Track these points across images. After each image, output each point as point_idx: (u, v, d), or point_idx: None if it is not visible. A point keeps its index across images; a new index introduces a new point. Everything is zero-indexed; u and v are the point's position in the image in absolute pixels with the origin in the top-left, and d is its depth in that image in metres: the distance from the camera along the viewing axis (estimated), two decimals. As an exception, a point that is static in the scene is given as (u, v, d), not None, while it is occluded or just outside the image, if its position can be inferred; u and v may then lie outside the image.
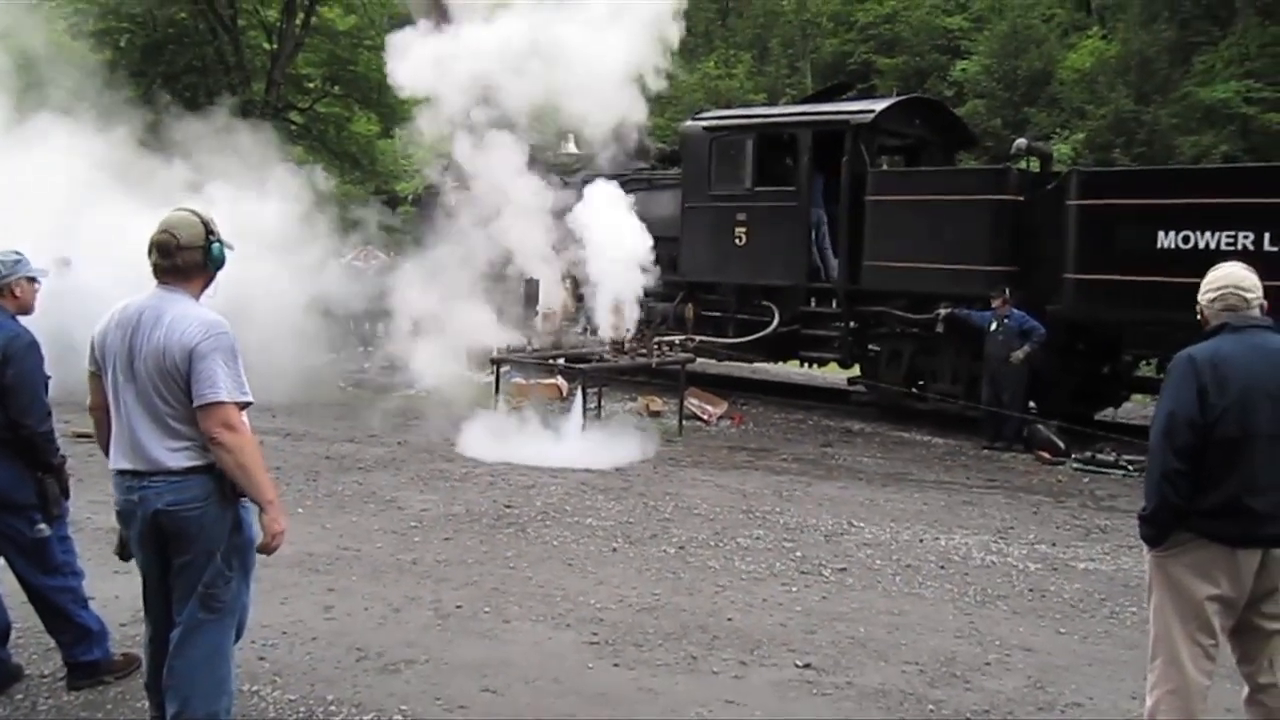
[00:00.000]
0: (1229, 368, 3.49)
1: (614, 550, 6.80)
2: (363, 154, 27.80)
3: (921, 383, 12.81)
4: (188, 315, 3.50)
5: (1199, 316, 3.74)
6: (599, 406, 11.50)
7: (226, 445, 3.41)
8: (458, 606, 5.58)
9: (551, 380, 12.67)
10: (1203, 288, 3.71)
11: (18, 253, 4.43)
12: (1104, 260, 10.72)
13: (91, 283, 9.54)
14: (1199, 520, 3.51)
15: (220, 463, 3.45)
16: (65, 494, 4.40)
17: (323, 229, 13.87)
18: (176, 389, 3.46)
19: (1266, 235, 9.70)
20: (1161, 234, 10.27)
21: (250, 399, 3.53)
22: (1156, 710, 3.59)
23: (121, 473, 3.55)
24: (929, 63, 35.63)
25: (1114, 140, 28.14)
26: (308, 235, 12.93)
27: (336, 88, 27.04)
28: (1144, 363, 12.29)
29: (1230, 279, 3.65)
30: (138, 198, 10.77)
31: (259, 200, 12.11)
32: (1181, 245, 10.16)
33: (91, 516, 6.55)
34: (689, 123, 14.82)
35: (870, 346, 13.24)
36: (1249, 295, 3.63)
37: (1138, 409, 13.52)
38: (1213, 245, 9.93)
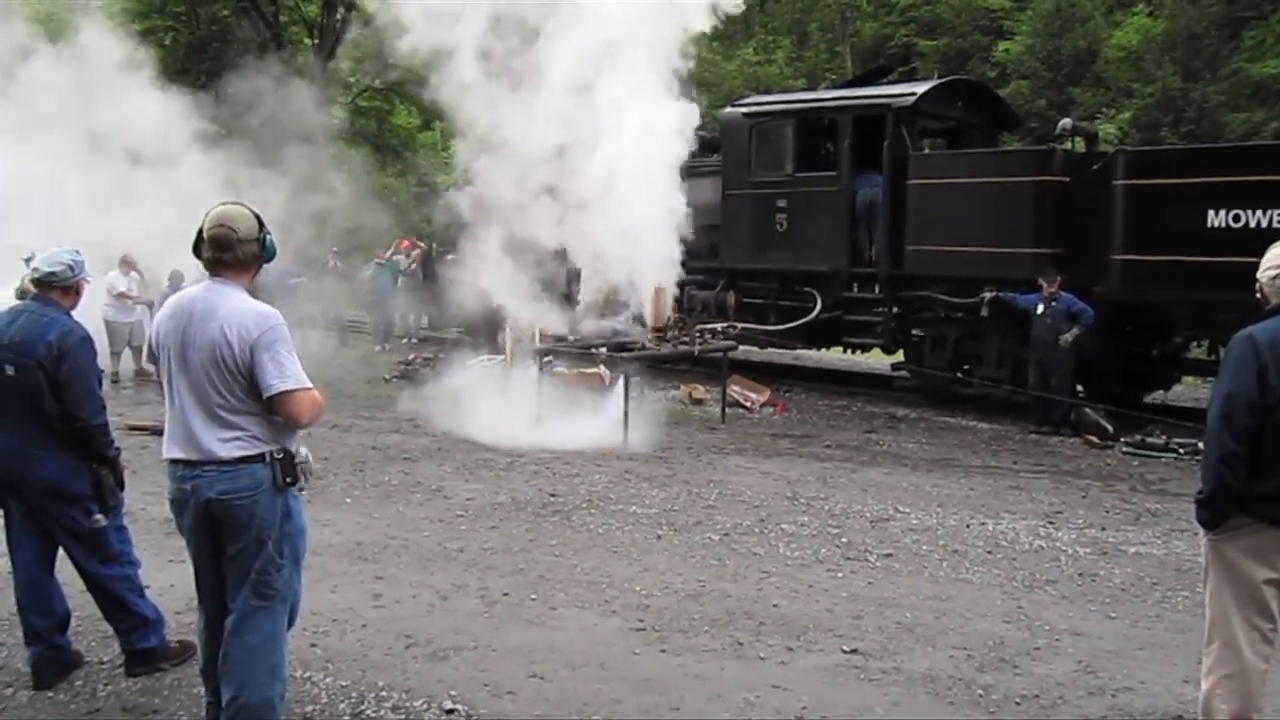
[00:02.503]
0: None
1: (659, 537, 6.82)
2: (404, 146, 28.01)
3: (967, 367, 12.69)
4: (242, 308, 3.56)
5: (1259, 295, 3.63)
6: (641, 395, 11.51)
7: (311, 424, 3.69)
8: (505, 594, 5.62)
9: (594, 369, 12.69)
10: (1263, 265, 3.60)
11: (79, 252, 4.53)
12: (1152, 241, 10.55)
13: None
14: (1258, 504, 3.43)
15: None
16: (120, 485, 4.49)
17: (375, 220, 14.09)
18: (231, 381, 3.52)
19: (1320, 213, 9.51)
20: (1211, 213, 10.09)
21: (310, 386, 3.63)
22: (1213, 694, 3.54)
23: (175, 462, 3.62)
24: (971, 44, 35.16)
25: (1161, 119, 27.62)
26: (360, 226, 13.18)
27: (377, 81, 27.22)
28: (1194, 344, 12.09)
29: None
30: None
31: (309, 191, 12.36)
32: (1233, 224, 9.98)
33: (146, 507, 6.68)
34: (729, 109, 14.76)
35: (914, 331, 13.14)
36: None
37: (1188, 391, 13.32)
38: (1265, 224, 9.75)
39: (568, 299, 12.11)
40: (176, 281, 12.47)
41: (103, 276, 12.76)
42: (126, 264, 13.20)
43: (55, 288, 4.41)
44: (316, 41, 26.31)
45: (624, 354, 10.76)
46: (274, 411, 3.56)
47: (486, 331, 13.88)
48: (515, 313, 11.67)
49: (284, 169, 13.01)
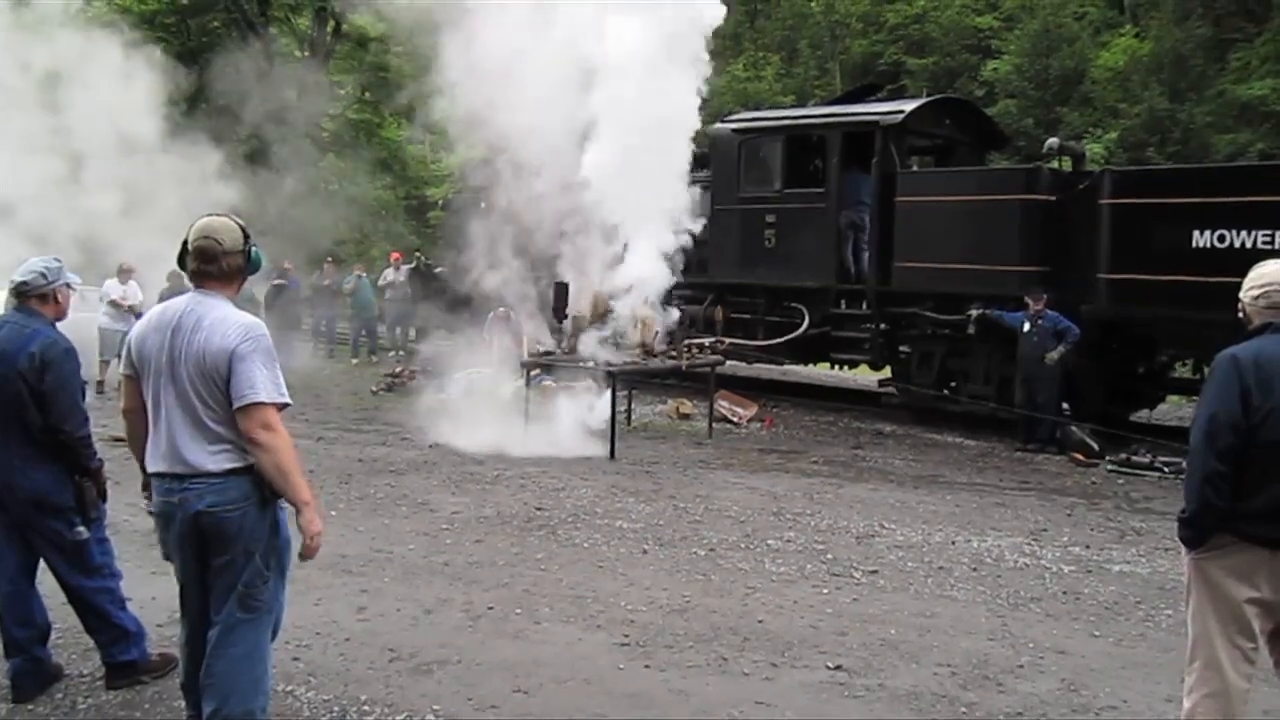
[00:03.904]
0: (1274, 368, 3.41)
1: (644, 552, 6.81)
2: (393, 159, 28.01)
3: (953, 384, 12.72)
4: (227, 318, 3.55)
5: (1241, 315, 3.66)
6: (629, 409, 11.51)
7: (265, 445, 3.46)
8: (489, 608, 5.60)
9: (581, 383, 12.68)
10: (1245, 285, 3.63)
11: (58, 259, 4.51)
12: (1138, 260, 10.61)
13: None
14: (1240, 523, 3.45)
15: (258, 463, 3.50)
16: (103, 497, 4.47)
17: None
18: (216, 391, 3.50)
19: (1304, 234, 9.58)
20: (1197, 233, 10.16)
21: (288, 401, 3.58)
22: (1195, 713, 3.55)
23: (161, 475, 3.59)
24: (959, 63, 35.42)
25: (1148, 139, 27.85)
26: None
27: (367, 94, 27.25)
28: (1180, 363, 12.15)
29: (1275, 276, 3.56)
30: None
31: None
32: (1217, 244, 10.05)
33: (129, 519, 6.62)
34: (718, 125, 14.80)
35: (901, 348, 13.16)
36: None
37: (1173, 410, 13.38)
38: (1249, 244, 9.82)
39: (556, 312, 12.08)
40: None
41: (97, 286, 12.74)
42: (125, 272, 13.14)
43: (32, 296, 4.38)
44: (307, 54, 26.33)
45: (611, 368, 10.76)
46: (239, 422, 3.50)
47: (475, 343, 13.86)
48: (505, 324, 11.67)
49: (277, 173, 12.97)
